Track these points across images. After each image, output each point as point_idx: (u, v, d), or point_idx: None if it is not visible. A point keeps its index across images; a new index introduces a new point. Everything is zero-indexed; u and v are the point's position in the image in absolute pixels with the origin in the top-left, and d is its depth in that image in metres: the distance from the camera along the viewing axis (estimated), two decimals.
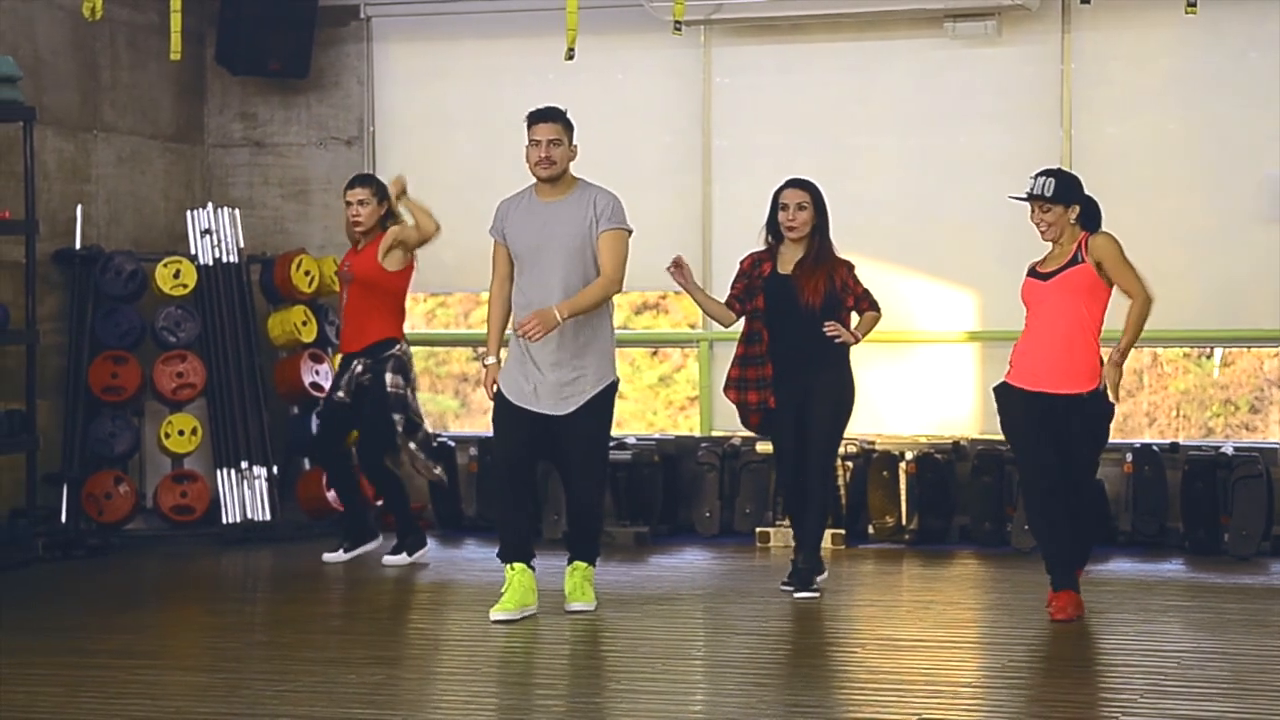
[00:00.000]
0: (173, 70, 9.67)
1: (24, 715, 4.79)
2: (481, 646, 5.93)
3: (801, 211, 6.80)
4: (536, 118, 6.56)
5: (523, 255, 6.59)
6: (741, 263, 7.10)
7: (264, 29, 9.38)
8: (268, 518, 8.89)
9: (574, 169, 6.74)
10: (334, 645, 6.17)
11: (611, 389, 6.65)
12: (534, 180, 6.63)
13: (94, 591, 7.44)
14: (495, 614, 6.38)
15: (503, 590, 6.43)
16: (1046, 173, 6.40)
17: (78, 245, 8.82)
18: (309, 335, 8.98)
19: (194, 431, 8.88)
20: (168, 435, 8.84)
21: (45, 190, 8.54)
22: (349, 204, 7.80)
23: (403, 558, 7.84)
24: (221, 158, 10.19)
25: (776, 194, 6.95)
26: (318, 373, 9.29)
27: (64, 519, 8.55)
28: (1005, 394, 6.43)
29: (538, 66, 9.42)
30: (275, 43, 9.46)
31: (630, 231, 6.53)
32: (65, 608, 6.94)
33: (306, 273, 9.18)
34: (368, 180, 7.96)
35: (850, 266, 6.96)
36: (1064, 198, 6.29)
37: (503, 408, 6.60)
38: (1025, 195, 6.37)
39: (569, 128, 6.59)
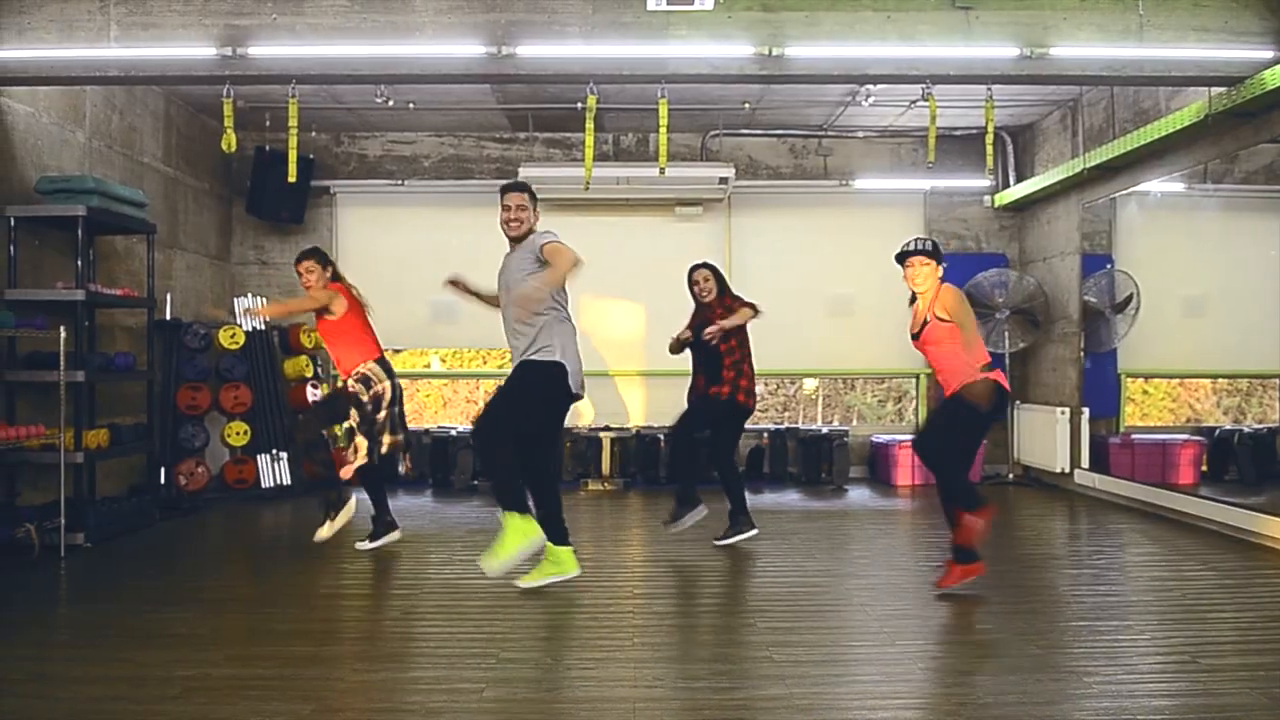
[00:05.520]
0: (216, 219, 11.27)
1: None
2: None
3: (708, 282, 7.83)
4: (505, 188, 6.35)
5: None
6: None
7: (279, 194, 11.25)
8: (289, 483, 10.22)
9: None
10: (348, 579, 6.76)
11: (539, 365, 6.12)
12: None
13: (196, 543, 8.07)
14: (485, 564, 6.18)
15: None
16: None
17: (168, 317, 10.17)
18: (309, 372, 10.83)
19: (244, 432, 10.27)
20: (228, 435, 10.25)
21: (146, 283, 9.14)
22: (300, 274, 7.72)
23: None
24: (241, 270, 11.91)
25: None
26: (315, 393, 10.69)
27: (163, 490, 9.57)
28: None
29: (438, 224, 11.26)
30: (285, 202, 11.41)
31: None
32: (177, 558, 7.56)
33: (309, 335, 11.04)
34: (311, 253, 7.79)
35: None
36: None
37: None
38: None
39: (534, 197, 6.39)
